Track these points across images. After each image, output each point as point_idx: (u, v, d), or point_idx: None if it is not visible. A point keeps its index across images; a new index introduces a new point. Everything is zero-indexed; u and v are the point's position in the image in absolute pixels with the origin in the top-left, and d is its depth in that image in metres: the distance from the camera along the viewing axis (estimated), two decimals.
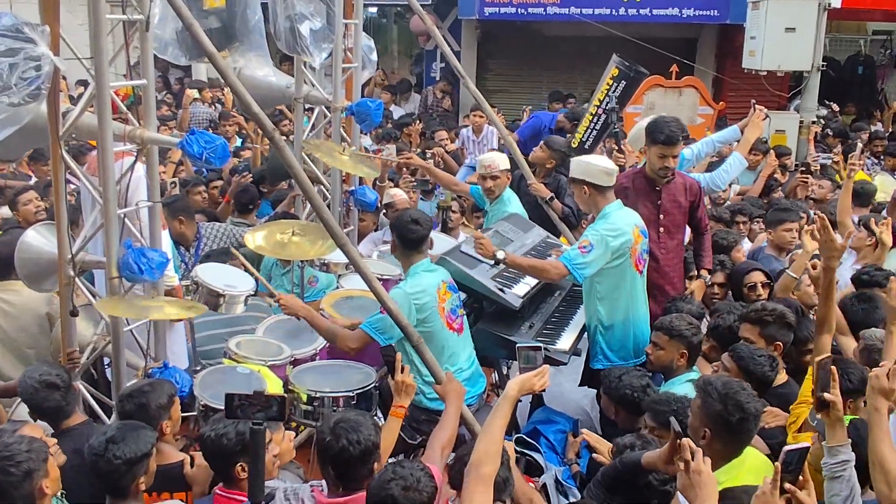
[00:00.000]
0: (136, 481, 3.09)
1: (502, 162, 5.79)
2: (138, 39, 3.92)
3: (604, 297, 4.63)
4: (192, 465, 3.43)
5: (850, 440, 3.00)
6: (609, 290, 4.61)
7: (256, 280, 4.59)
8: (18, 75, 3.40)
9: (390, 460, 3.44)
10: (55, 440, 3.39)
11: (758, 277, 5.06)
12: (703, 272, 5.17)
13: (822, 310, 3.87)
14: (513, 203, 5.74)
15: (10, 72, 3.37)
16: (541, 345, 3.44)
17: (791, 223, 5.79)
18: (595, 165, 4.60)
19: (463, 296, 4.60)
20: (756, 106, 6.24)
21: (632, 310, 4.69)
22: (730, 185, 7.12)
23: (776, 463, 2.58)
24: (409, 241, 4.23)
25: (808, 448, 2.68)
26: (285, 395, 2.66)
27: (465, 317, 4.39)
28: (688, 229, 5.39)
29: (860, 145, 8.26)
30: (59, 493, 3.32)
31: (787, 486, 2.56)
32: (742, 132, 6.18)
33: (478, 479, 2.76)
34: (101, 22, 3.63)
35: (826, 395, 2.98)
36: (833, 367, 3.04)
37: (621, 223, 4.57)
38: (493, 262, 4.53)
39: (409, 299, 4.07)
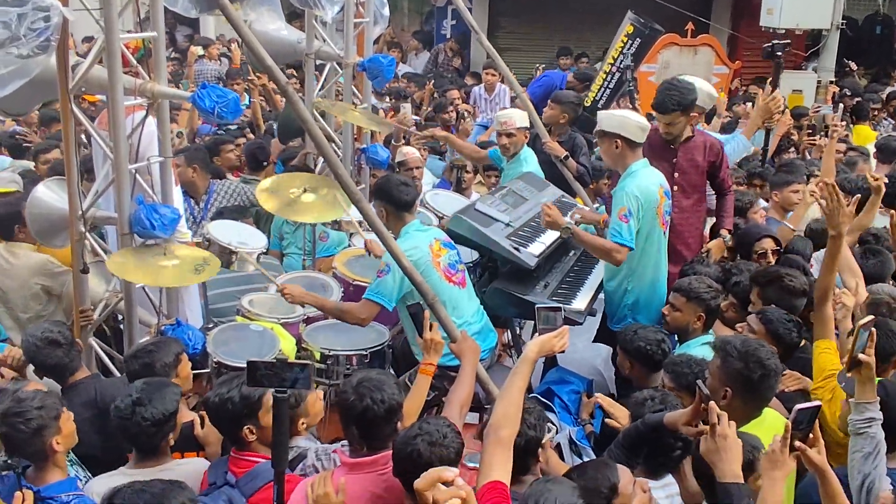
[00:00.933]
0: (165, 439, 3.10)
1: (519, 119, 5.67)
2: None
3: (631, 259, 4.53)
4: (202, 425, 3.39)
5: (878, 398, 2.98)
6: (636, 252, 4.52)
7: (281, 230, 4.49)
8: (27, 26, 3.32)
9: None
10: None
11: (768, 244, 4.96)
12: (724, 232, 5.06)
13: (823, 279, 3.71)
14: (530, 162, 5.64)
15: (19, 22, 3.29)
16: (561, 306, 3.38)
17: (797, 184, 5.69)
18: (631, 120, 4.48)
19: (469, 254, 4.53)
20: (767, 87, 6.13)
21: (657, 272, 4.63)
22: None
23: (787, 421, 2.57)
24: (401, 203, 4.16)
25: (818, 407, 2.66)
26: (308, 362, 2.59)
27: (466, 272, 4.33)
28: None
29: (841, 107, 8.14)
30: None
31: (798, 444, 2.55)
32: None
33: (497, 441, 2.73)
34: None
35: (863, 356, 2.97)
36: (873, 330, 3.02)
37: (647, 182, 4.49)
38: (560, 232, 4.49)
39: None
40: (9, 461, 2.90)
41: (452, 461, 2.71)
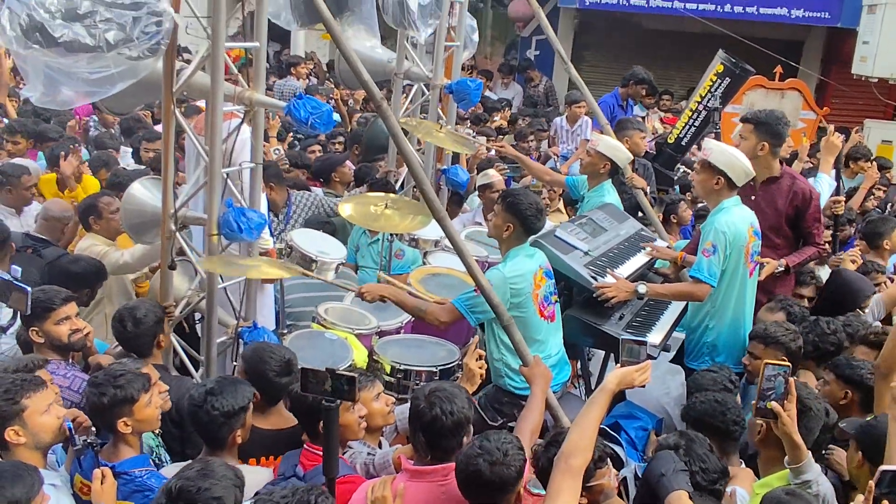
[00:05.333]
0: (232, 433, 3.16)
1: (605, 146, 5.52)
2: (254, 2, 3.97)
3: (714, 297, 4.46)
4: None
5: (809, 454, 2.89)
6: (719, 290, 4.45)
7: (357, 243, 4.55)
8: (141, 29, 3.46)
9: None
10: (166, 387, 3.48)
11: (868, 303, 4.82)
12: (783, 261, 4.85)
13: (891, 349, 3.48)
14: (611, 194, 5.58)
15: (134, 25, 3.44)
16: (646, 340, 3.34)
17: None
18: (741, 163, 4.42)
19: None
20: (830, 126, 6.06)
21: (740, 312, 4.53)
22: None
23: (870, 482, 2.48)
24: (529, 229, 4.12)
25: None
26: (356, 375, 2.66)
27: (557, 304, 4.31)
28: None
29: None
30: (154, 433, 3.44)
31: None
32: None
33: (567, 470, 2.70)
34: None
35: (775, 405, 2.88)
36: (791, 380, 2.91)
37: (737, 219, 4.43)
38: (636, 297, 4.45)
39: (507, 283, 4.01)
40: (88, 440, 3.01)
41: (514, 479, 2.72)
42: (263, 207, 4.50)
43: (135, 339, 3.79)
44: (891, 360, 3.45)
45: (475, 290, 4.00)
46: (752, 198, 4.82)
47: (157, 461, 3.42)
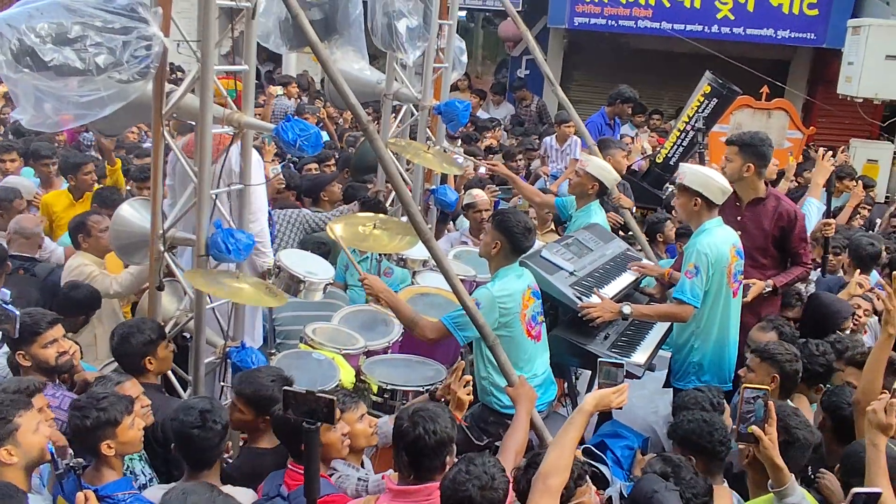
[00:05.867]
0: (221, 454, 3.21)
1: (594, 167, 5.55)
2: (243, 25, 4.02)
3: (698, 318, 4.51)
4: None
5: (792, 477, 2.90)
6: (703, 311, 4.50)
7: (347, 262, 4.57)
8: (130, 53, 3.51)
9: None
10: (149, 402, 3.50)
11: (849, 325, 4.86)
12: (770, 282, 4.88)
13: (870, 379, 3.56)
14: (598, 216, 5.63)
15: (123, 49, 3.49)
16: (623, 361, 3.38)
17: None
18: (715, 182, 4.48)
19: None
20: (819, 150, 6.12)
21: (725, 332, 4.57)
22: None
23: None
24: (518, 248, 4.17)
25: (879, 494, 2.60)
26: (333, 398, 2.69)
27: (543, 324, 4.35)
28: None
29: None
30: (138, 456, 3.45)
31: None
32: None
33: (545, 490, 2.74)
34: (211, 7, 3.75)
35: (756, 429, 2.87)
36: (771, 403, 2.90)
37: (719, 240, 4.48)
38: (621, 317, 4.51)
39: (496, 302, 4.05)
40: (70, 464, 3.03)
41: (503, 502, 2.73)
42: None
43: (131, 356, 3.84)
44: (870, 394, 3.46)
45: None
46: (739, 219, 4.87)
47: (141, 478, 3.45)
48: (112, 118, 3.81)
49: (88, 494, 2.89)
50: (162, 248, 4.12)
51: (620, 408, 3.17)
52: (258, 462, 3.41)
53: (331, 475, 3.34)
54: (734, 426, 2.97)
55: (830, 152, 6.02)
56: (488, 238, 4.19)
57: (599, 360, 3.20)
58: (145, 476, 3.50)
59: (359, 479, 3.35)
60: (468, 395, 3.70)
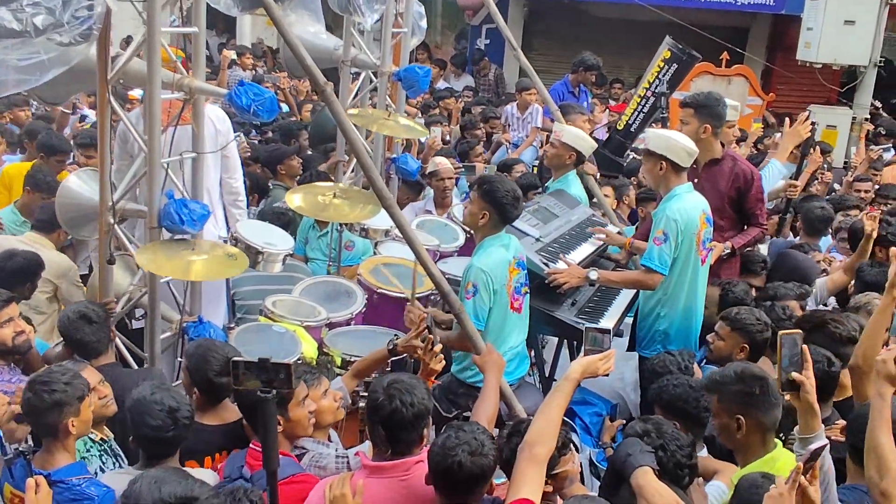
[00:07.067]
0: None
1: (568, 136, 5.40)
2: None
3: (665, 285, 4.42)
4: None
5: (822, 428, 2.86)
6: (671, 278, 4.40)
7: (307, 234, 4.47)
8: (71, 13, 3.32)
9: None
10: (108, 392, 3.36)
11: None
12: (728, 244, 4.85)
13: (871, 337, 3.46)
14: (576, 185, 5.51)
15: (63, 9, 3.29)
16: (609, 328, 3.30)
17: None
18: (679, 143, 4.37)
19: None
20: (800, 115, 6.07)
21: (692, 300, 4.50)
22: None
23: (798, 463, 2.44)
24: (506, 218, 4.03)
25: (825, 445, 2.57)
26: (289, 363, 2.56)
27: (527, 295, 4.22)
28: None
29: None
30: (100, 439, 3.31)
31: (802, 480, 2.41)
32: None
33: (531, 458, 2.67)
34: None
35: (796, 375, 2.79)
36: (805, 347, 2.84)
37: (688, 206, 4.39)
38: (588, 283, 4.42)
39: (482, 274, 3.92)
40: (20, 448, 2.88)
41: (492, 469, 2.69)
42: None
43: (97, 336, 3.66)
44: (870, 359, 3.31)
45: (467, 297, 3.91)
46: (696, 181, 4.80)
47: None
48: (54, 84, 3.62)
49: (39, 480, 2.75)
50: (112, 221, 3.95)
51: (607, 374, 3.09)
52: (198, 438, 3.24)
53: (300, 455, 3.22)
54: (776, 378, 2.89)
55: (809, 120, 5.96)
56: (474, 208, 4.03)
57: (585, 326, 3.15)
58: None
59: (337, 456, 3.23)
60: (440, 363, 3.57)
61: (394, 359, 4.20)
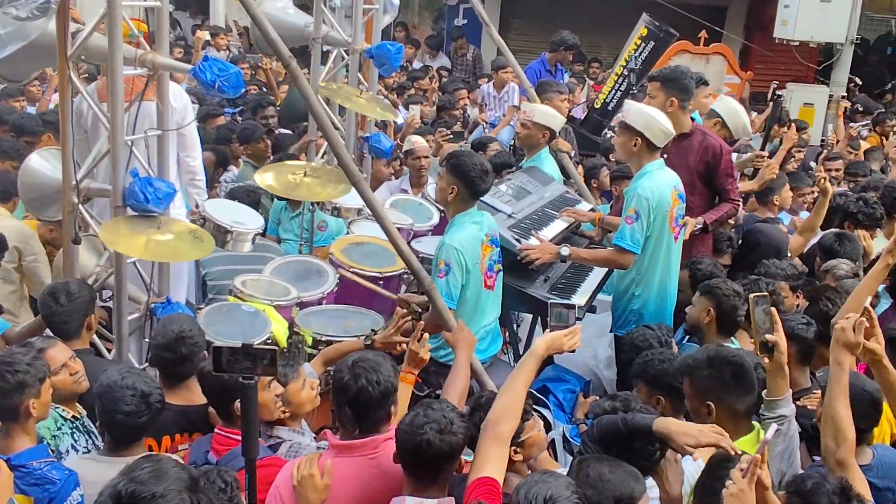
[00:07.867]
0: None
1: (540, 115, 5.37)
2: None
3: (639, 263, 4.38)
4: None
5: (790, 392, 2.86)
6: (644, 256, 4.36)
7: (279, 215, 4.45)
8: None
9: None
10: (79, 368, 3.30)
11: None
12: (700, 219, 4.79)
13: (858, 298, 3.39)
14: (546, 165, 5.47)
15: None
16: (575, 304, 3.26)
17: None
18: (658, 123, 4.30)
19: None
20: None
21: (666, 278, 4.46)
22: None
23: (756, 454, 2.38)
24: (475, 191, 3.97)
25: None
26: (274, 348, 2.50)
27: (501, 273, 4.18)
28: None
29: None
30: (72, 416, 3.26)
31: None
32: None
33: (495, 437, 2.65)
34: None
35: (769, 336, 2.80)
36: (773, 309, 2.86)
37: (660, 183, 4.34)
38: (560, 259, 4.38)
39: (455, 253, 3.88)
40: None
41: (461, 447, 2.65)
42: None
43: (66, 317, 3.59)
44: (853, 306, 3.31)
45: (440, 275, 3.86)
46: (665, 156, 4.76)
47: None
48: (13, 60, 3.56)
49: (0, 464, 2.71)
50: (76, 200, 3.88)
51: (573, 351, 3.05)
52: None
53: (276, 445, 3.18)
54: (752, 340, 2.89)
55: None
56: (443, 183, 3.99)
57: (550, 301, 3.11)
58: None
59: (318, 447, 3.19)
60: (428, 352, 3.49)
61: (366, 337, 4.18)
